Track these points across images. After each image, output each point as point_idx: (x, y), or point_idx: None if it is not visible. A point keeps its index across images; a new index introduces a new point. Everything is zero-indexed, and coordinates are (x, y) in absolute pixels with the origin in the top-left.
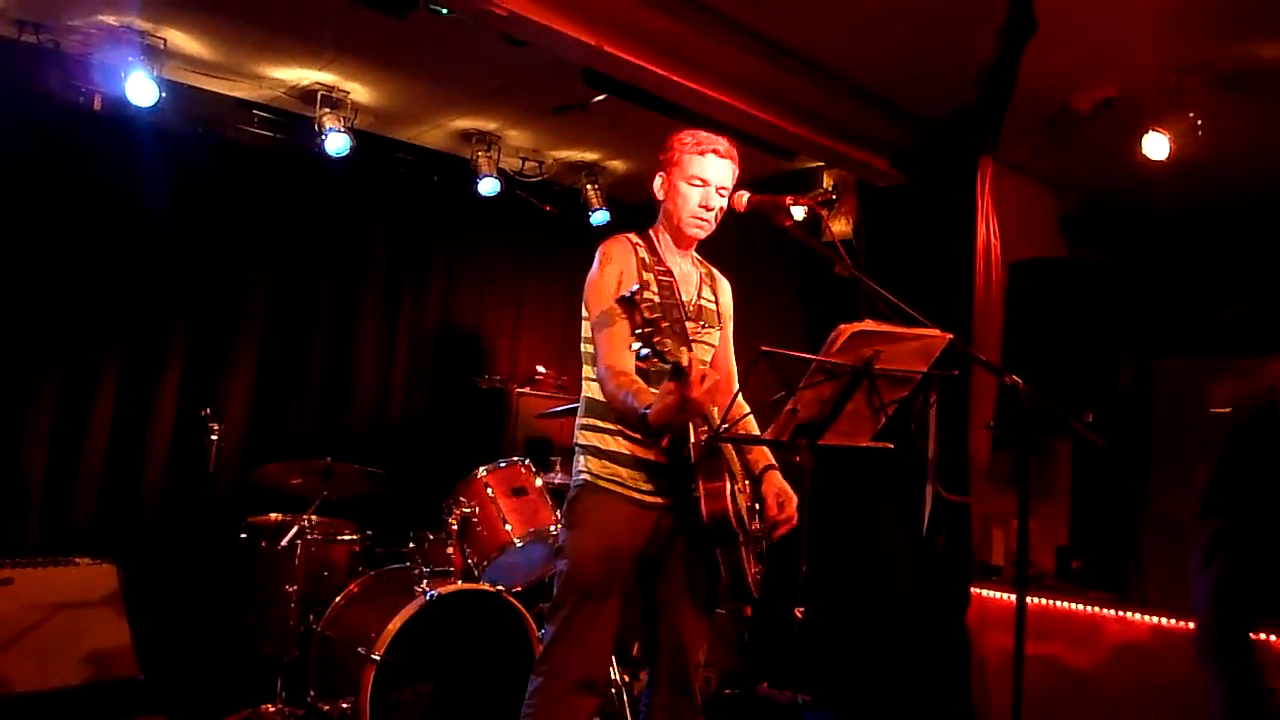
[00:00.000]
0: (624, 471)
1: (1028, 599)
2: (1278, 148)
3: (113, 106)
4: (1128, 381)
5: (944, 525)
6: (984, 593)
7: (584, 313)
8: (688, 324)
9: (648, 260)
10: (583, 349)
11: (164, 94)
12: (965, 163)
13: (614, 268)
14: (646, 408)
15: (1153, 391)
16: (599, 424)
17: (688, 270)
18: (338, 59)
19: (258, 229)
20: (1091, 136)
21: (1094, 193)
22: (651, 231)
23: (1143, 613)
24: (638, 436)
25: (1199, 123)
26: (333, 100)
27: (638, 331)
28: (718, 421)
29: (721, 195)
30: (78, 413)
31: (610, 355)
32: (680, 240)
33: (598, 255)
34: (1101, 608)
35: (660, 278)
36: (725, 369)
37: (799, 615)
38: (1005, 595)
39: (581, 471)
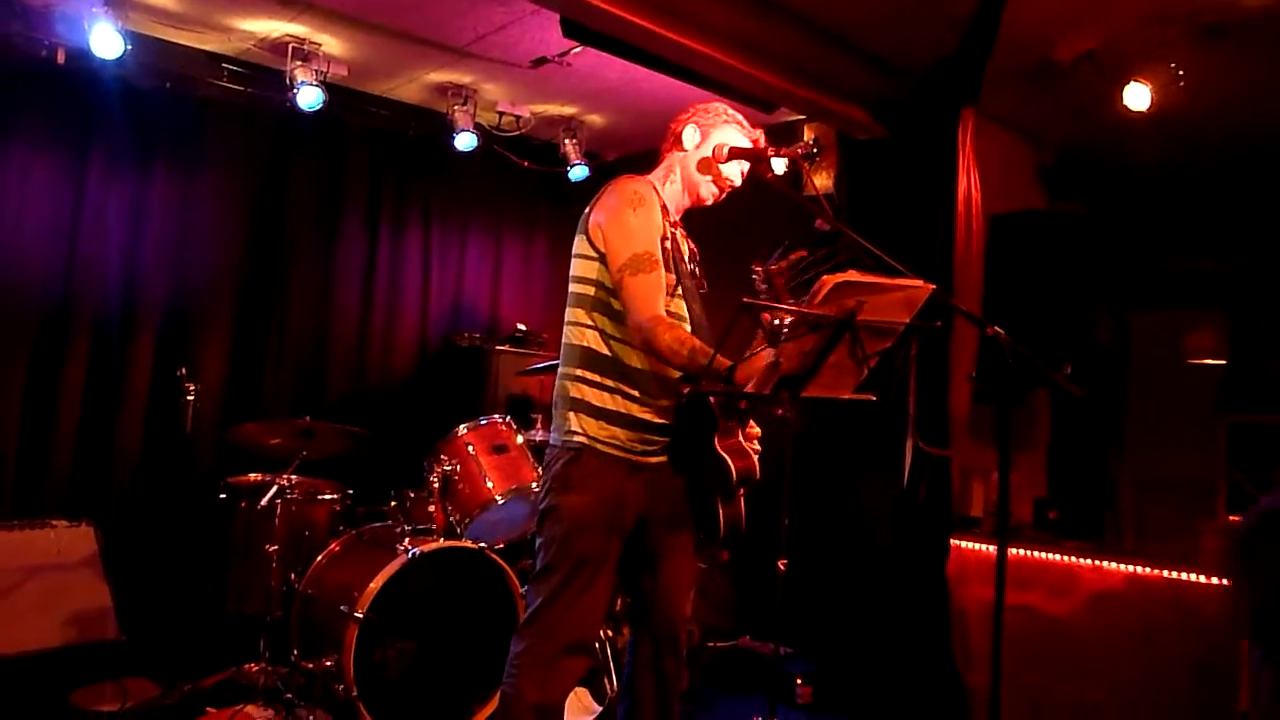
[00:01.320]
0: (622, 433)
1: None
2: (1258, 98)
3: (77, 60)
4: (1105, 334)
5: (924, 478)
6: (963, 544)
7: (588, 250)
8: (689, 280)
9: (664, 209)
10: (576, 290)
11: (129, 47)
12: (947, 115)
13: (647, 213)
14: (731, 366)
15: (1130, 344)
16: (595, 378)
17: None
18: (309, 10)
19: (229, 186)
20: (1073, 88)
21: (1074, 145)
22: (654, 178)
23: (1118, 561)
24: (635, 393)
25: (1180, 73)
26: (304, 53)
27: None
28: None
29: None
30: (50, 374)
31: (654, 304)
32: (690, 199)
33: (624, 193)
34: (1078, 557)
35: (670, 229)
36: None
37: (782, 567)
38: (985, 547)
39: (575, 432)
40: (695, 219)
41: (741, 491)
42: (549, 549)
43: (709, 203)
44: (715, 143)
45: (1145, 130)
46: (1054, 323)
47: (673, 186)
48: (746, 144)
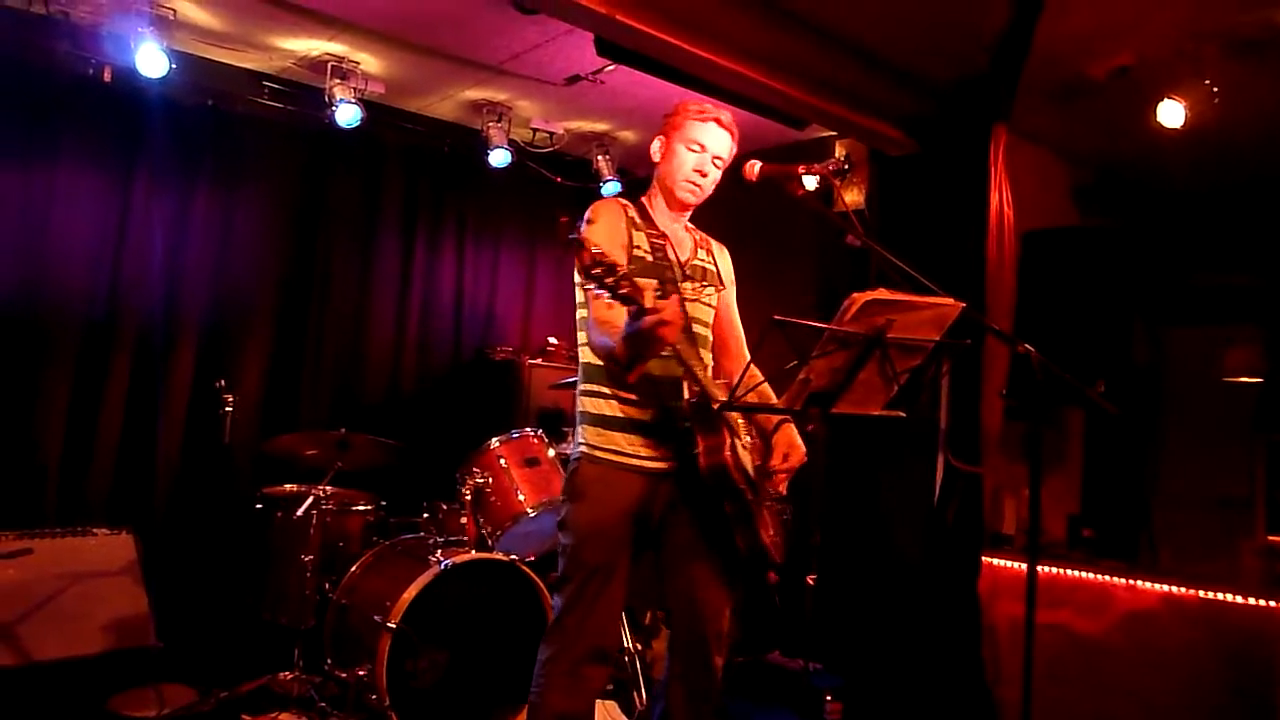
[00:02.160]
0: (620, 438)
1: (1039, 568)
2: None
3: (123, 78)
4: (1141, 351)
5: (955, 495)
6: (995, 561)
7: (576, 278)
8: (684, 284)
9: (639, 221)
10: (577, 315)
11: (174, 65)
12: (978, 131)
13: (602, 224)
14: (615, 342)
15: (1166, 361)
16: (593, 388)
17: (681, 235)
18: (348, 29)
19: (269, 201)
20: (1106, 105)
21: (1108, 162)
22: (644, 198)
23: (1152, 581)
24: (632, 398)
25: (1215, 90)
26: (343, 71)
27: (589, 271)
28: (708, 375)
29: (717, 165)
30: (93, 385)
31: (600, 311)
32: (672, 203)
33: (586, 214)
34: (1111, 576)
35: (652, 238)
36: (732, 332)
37: (810, 583)
38: (1016, 564)
39: (580, 443)
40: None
41: (751, 496)
42: (564, 558)
43: (692, 200)
44: (679, 142)
45: (1180, 146)
46: (1089, 339)
47: (658, 199)
48: (704, 134)
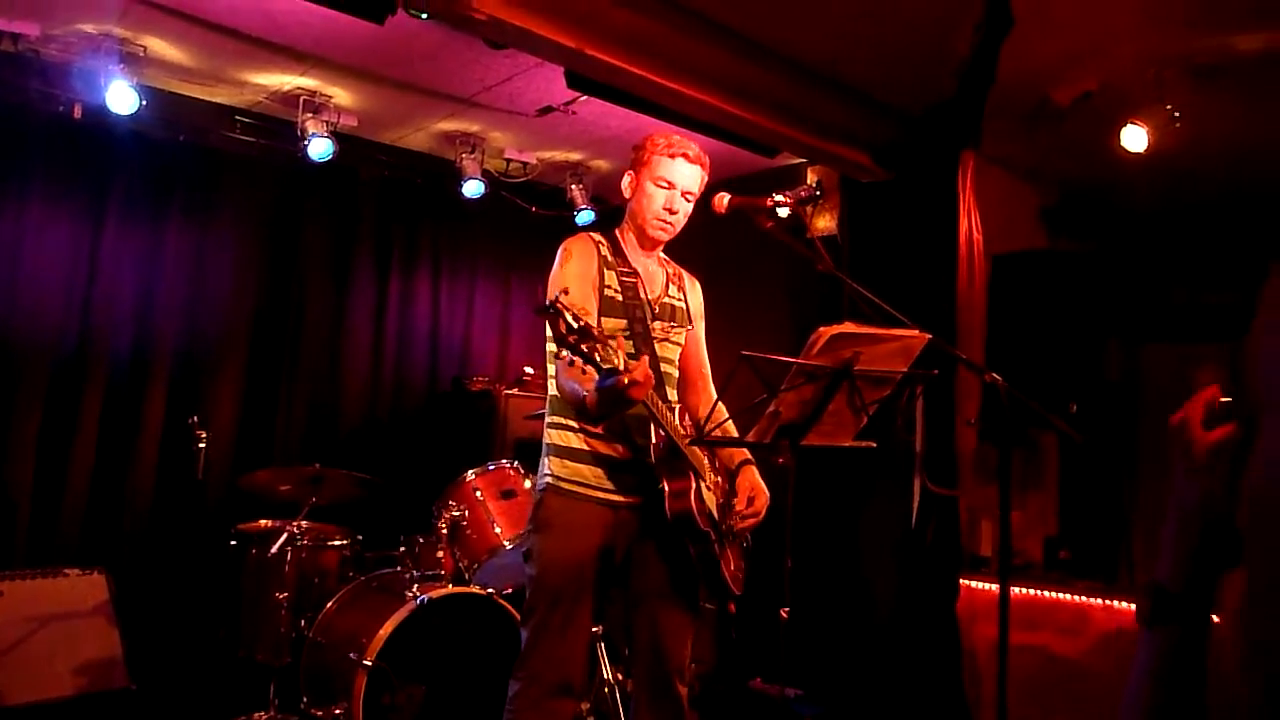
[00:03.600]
0: (586, 470)
1: (1016, 589)
2: (1254, 138)
3: (94, 115)
4: (1115, 370)
5: (932, 518)
6: (973, 584)
7: (548, 332)
8: (654, 323)
9: (610, 259)
10: (547, 348)
11: (144, 101)
12: (947, 157)
13: (574, 265)
14: (585, 392)
15: (1141, 379)
16: (561, 421)
17: (653, 270)
18: (319, 64)
19: (242, 234)
20: (1072, 129)
21: (1075, 184)
22: (616, 231)
23: (1128, 600)
24: (598, 431)
25: (1176, 115)
26: (315, 105)
27: (565, 340)
28: (680, 422)
29: (687, 200)
30: (64, 422)
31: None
32: (644, 241)
33: (559, 253)
34: (1089, 596)
35: (623, 277)
36: (697, 367)
37: (784, 615)
38: (994, 586)
39: (545, 475)
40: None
41: (714, 536)
42: (529, 589)
43: (664, 237)
44: (647, 179)
45: (1145, 169)
46: (1062, 360)
47: (629, 236)
48: (672, 171)
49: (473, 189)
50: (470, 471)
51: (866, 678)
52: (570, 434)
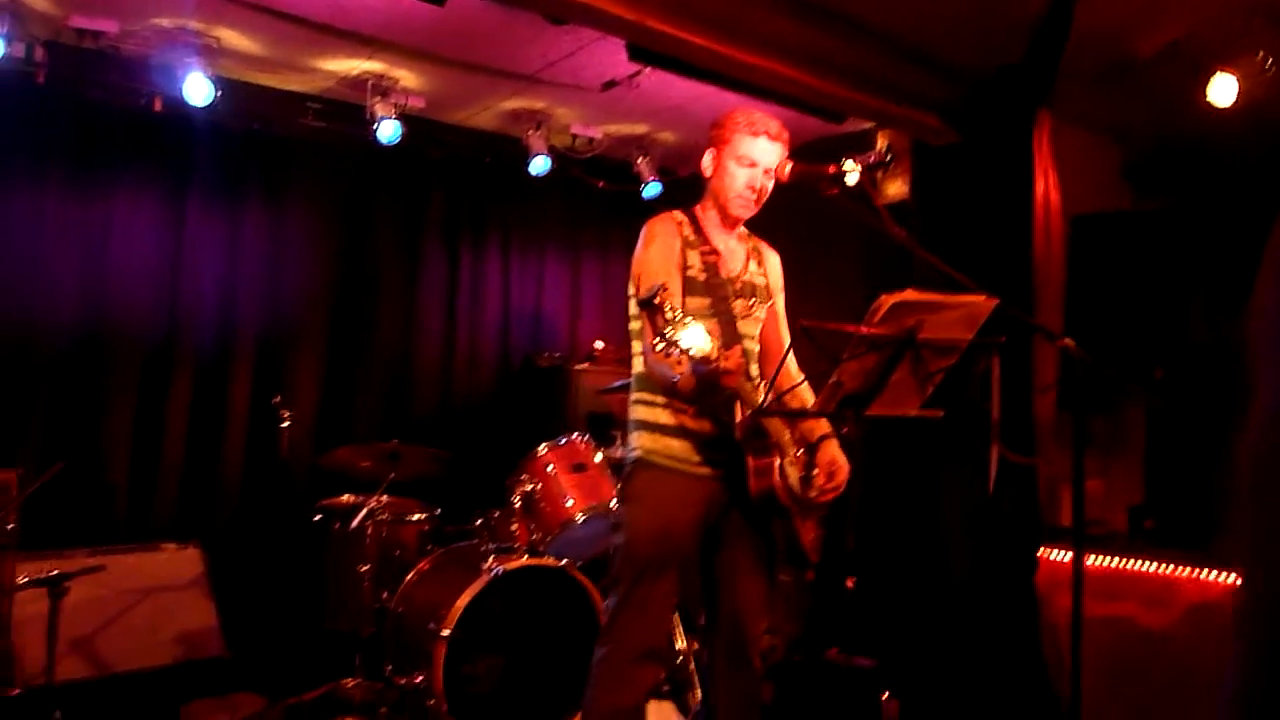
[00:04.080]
0: (675, 444)
1: (1099, 560)
2: None
3: (172, 107)
4: (1203, 332)
5: (1009, 488)
6: (1054, 554)
7: (630, 290)
8: (735, 301)
9: (692, 238)
10: (630, 326)
11: (220, 92)
12: (1021, 117)
13: (658, 245)
14: (677, 376)
15: (1233, 341)
16: (648, 398)
17: (734, 246)
18: (385, 48)
19: (317, 219)
20: (1156, 83)
21: (1159, 140)
22: (698, 208)
23: (1218, 571)
24: (686, 408)
25: (1269, 62)
26: (382, 88)
27: (663, 334)
28: (762, 398)
29: (769, 178)
30: (156, 405)
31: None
32: (726, 219)
33: (642, 233)
34: (1175, 567)
35: (705, 256)
36: (777, 340)
37: (850, 585)
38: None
39: (634, 448)
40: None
41: (795, 510)
42: (616, 559)
43: (745, 216)
44: (729, 159)
45: (1235, 121)
46: (1147, 323)
47: (711, 212)
48: (754, 149)
49: (539, 166)
50: (542, 445)
51: (943, 650)
52: (659, 409)
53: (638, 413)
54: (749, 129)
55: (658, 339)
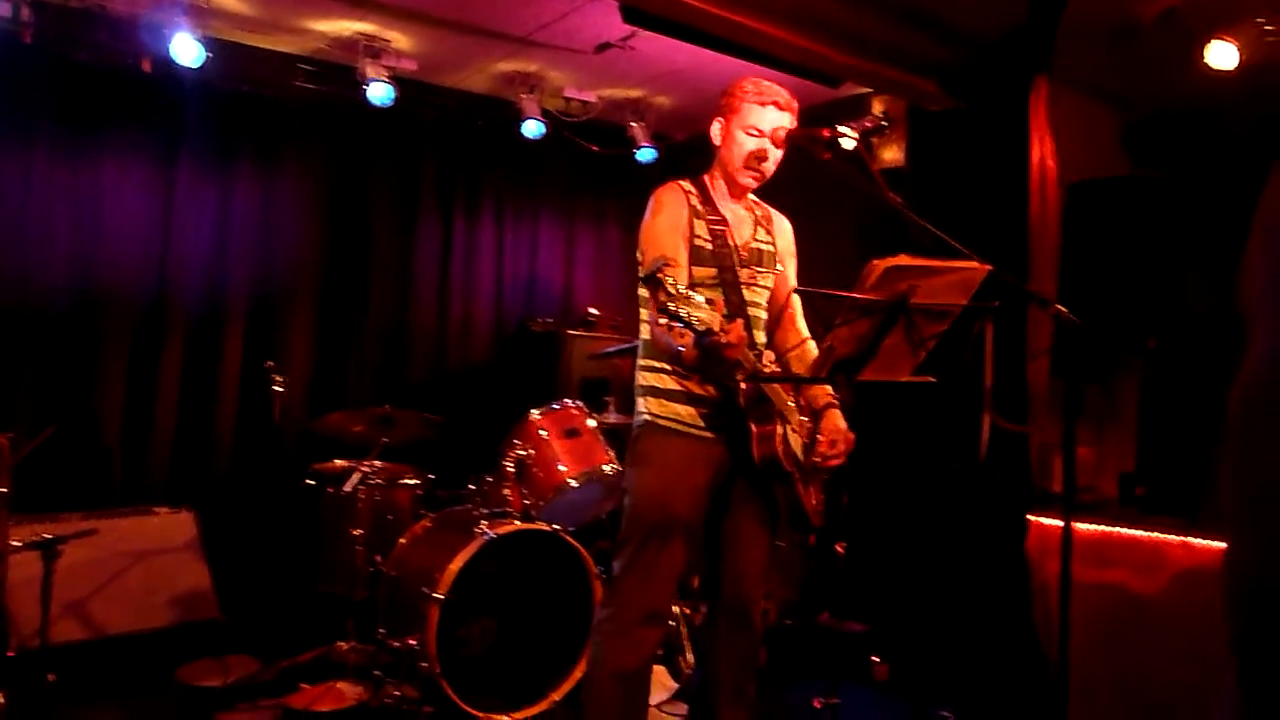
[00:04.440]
0: (681, 409)
1: (1089, 526)
2: None
3: (161, 68)
4: (1199, 301)
5: (1002, 454)
6: (1044, 520)
7: (638, 256)
8: (741, 270)
9: (700, 208)
10: (640, 292)
11: (209, 53)
12: (1019, 83)
13: (665, 215)
14: (681, 347)
15: (1228, 308)
16: (654, 364)
17: (742, 215)
18: (377, 8)
19: (309, 182)
20: (1154, 48)
21: (1159, 106)
22: (706, 177)
23: (1206, 537)
24: (691, 375)
25: (1269, 29)
26: (374, 50)
27: (665, 307)
28: (760, 362)
29: (778, 147)
30: (148, 369)
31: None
32: (733, 188)
33: (650, 202)
34: (1165, 534)
35: (713, 225)
36: (786, 306)
37: (840, 550)
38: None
39: (641, 412)
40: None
41: (798, 475)
42: (624, 521)
43: (754, 185)
44: (738, 128)
45: (1235, 87)
46: (1143, 292)
47: (719, 183)
48: (763, 119)
49: (533, 129)
50: (535, 411)
51: (934, 615)
52: (665, 375)
53: (644, 378)
54: (757, 98)
55: (661, 313)
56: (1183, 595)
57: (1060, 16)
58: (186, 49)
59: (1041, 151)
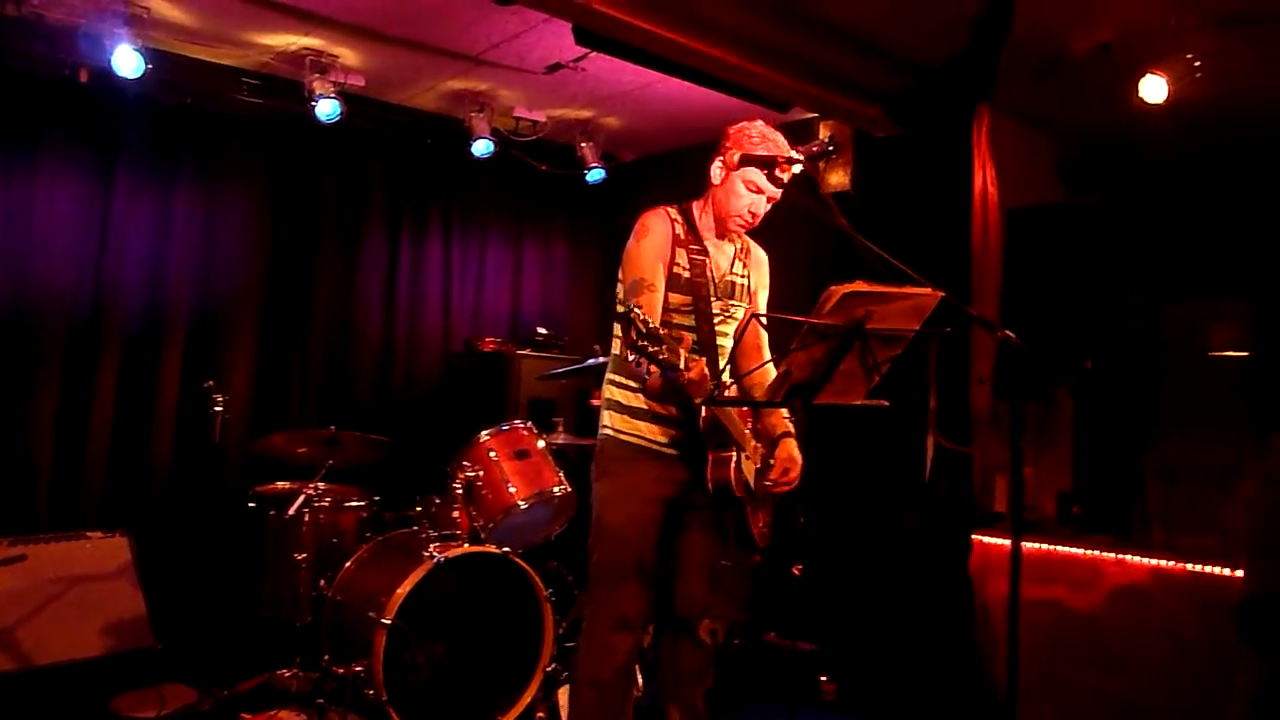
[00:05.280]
0: (644, 426)
1: (1029, 544)
2: (1276, 86)
3: (100, 79)
4: (1135, 325)
5: (945, 475)
6: (986, 539)
7: (619, 275)
8: (715, 301)
9: (683, 236)
10: (617, 308)
11: (150, 64)
12: (961, 111)
13: (650, 240)
14: (638, 364)
15: (1162, 333)
16: (622, 381)
17: (724, 247)
18: (324, 23)
19: (252, 198)
20: (1090, 80)
21: (1093, 136)
22: (693, 207)
23: (1142, 555)
24: None
25: (1197, 64)
26: (321, 65)
27: (634, 344)
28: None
29: (770, 202)
30: (82, 388)
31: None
32: (720, 230)
33: (636, 226)
34: (1101, 551)
35: (693, 255)
36: (753, 338)
37: (797, 571)
38: (1007, 542)
39: (606, 426)
40: None
41: (748, 501)
42: (591, 533)
43: (740, 231)
44: (739, 179)
45: (1165, 120)
46: (1080, 315)
47: (707, 217)
48: (763, 178)
49: (482, 148)
50: (484, 432)
51: (880, 634)
52: (630, 393)
53: (612, 393)
54: (773, 152)
55: (629, 349)
56: (1117, 610)
57: (1002, 47)
58: (127, 60)
59: (984, 178)
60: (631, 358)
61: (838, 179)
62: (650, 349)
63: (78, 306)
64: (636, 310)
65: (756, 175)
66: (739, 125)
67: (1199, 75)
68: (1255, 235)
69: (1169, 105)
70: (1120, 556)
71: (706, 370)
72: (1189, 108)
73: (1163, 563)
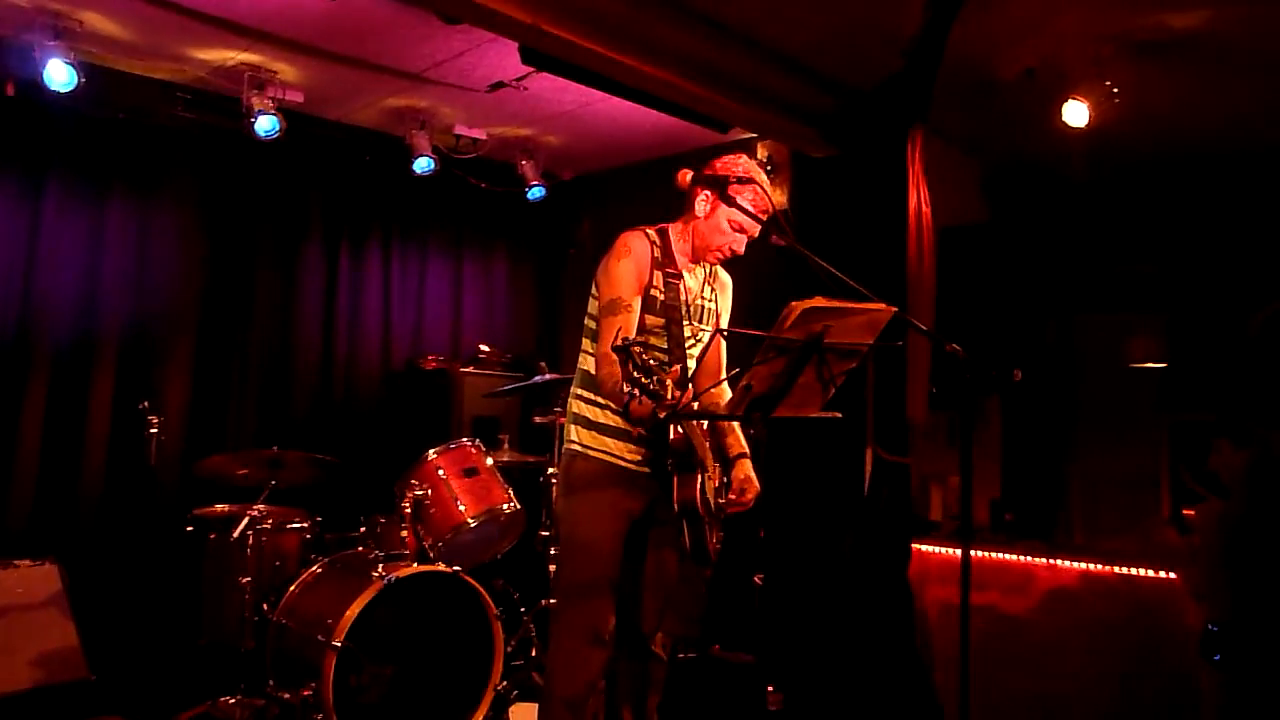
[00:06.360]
0: (611, 442)
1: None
2: (1188, 112)
3: (28, 92)
4: (1053, 339)
5: (884, 486)
6: (924, 548)
7: (594, 291)
8: (686, 325)
9: (660, 259)
10: (586, 323)
11: (83, 78)
12: (896, 132)
13: (631, 261)
14: (631, 396)
15: (1077, 347)
16: (591, 396)
17: (696, 272)
18: (263, 39)
19: (188, 215)
20: (1014, 104)
21: (1015, 158)
22: (672, 229)
23: (1070, 559)
24: None
25: (1115, 90)
26: (259, 81)
27: (631, 376)
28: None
29: (750, 239)
30: (7, 411)
31: (610, 342)
32: (697, 258)
33: (617, 244)
34: (1033, 556)
35: (669, 277)
36: (715, 359)
37: (758, 581)
38: (944, 549)
39: (572, 441)
40: None
41: (707, 519)
42: (560, 547)
43: (718, 263)
44: (724, 216)
45: (1085, 142)
46: (1004, 329)
47: (683, 243)
48: (748, 220)
49: (422, 166)
50: (432, 450)
51: (824, 643)
52: (598, 409)
53: (579, 408)
54: (754, 200)
55: (626, 384)
56: (1049, 613)
57: (936, 72)
58: (58, 73)
59: (918, 198)
60: (627, 389)
61: (776, 198)
62: (644, 382)
63: (3, 326)
64: (636, 346)
65: (742, 216)
66: (724, 158)
67: (1117, 101)
68: (1168, 253)
69: (1088, 129)
70: (1051, 561)
71: (693, 402)
72: (1107, 132)
73: (1092, 566)
